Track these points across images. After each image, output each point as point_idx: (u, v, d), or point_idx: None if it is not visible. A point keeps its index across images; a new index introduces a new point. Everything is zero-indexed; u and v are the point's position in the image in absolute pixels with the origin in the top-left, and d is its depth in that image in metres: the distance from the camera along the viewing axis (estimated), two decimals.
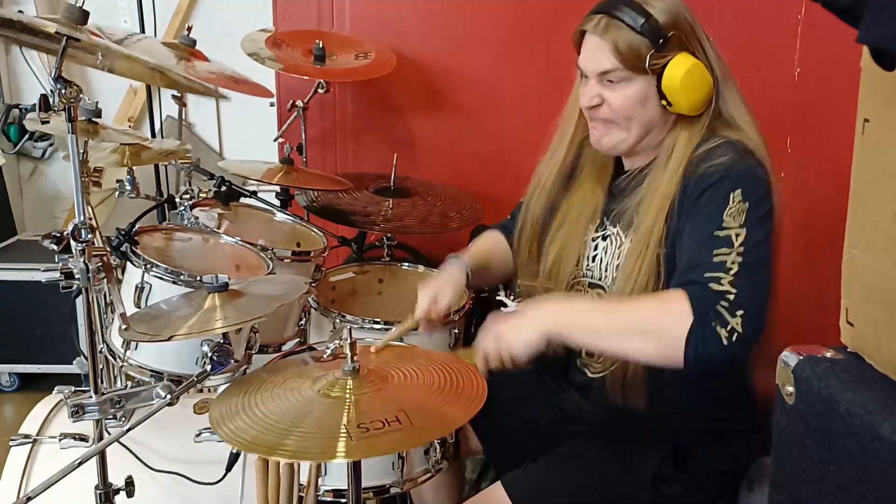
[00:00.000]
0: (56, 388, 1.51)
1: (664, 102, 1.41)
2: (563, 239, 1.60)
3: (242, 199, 2.10)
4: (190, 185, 2.12)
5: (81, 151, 1.56)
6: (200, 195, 2.05)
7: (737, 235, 1.29)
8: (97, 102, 1.85)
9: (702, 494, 1.51)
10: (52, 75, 1.25)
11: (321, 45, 2.47)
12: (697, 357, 1.23)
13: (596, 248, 1.57)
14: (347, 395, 1.19)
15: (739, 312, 1.23)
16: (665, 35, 1.39)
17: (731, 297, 1.24)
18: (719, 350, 1.22)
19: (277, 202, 2.28)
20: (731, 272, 1.26)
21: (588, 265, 1.57)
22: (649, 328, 1.28)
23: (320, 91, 2.52)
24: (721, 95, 1.44)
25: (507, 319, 1.38)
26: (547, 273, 1.61)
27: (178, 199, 2.00)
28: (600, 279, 1.55)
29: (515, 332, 1.34)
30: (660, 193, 1.41)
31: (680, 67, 1.39)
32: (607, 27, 1.41)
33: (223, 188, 2.02)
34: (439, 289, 1.59)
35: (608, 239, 1.54)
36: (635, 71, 1.40)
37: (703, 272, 1.27)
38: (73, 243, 1.30)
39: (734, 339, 1.22)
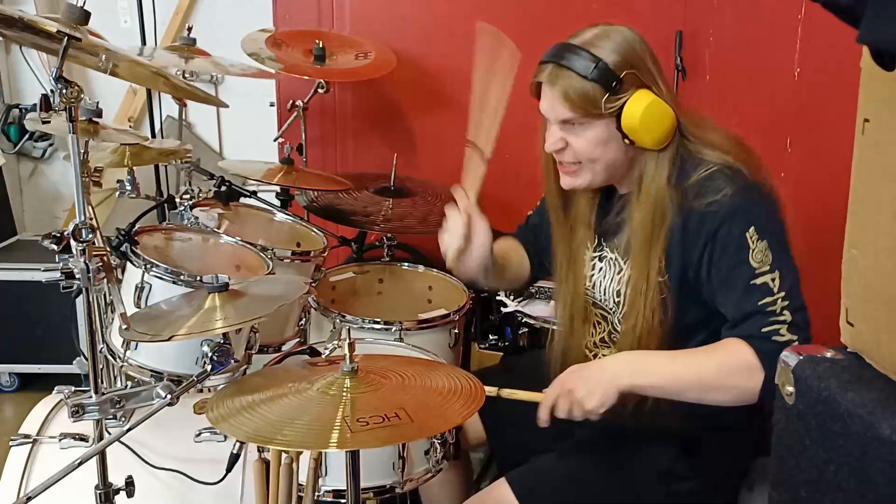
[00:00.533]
0: (56, 388, 1.51)
1: (627, 141, 1.42)
2: (573, 277, 1.61)
3: (242, 199, 2.10)
4: (190, 185, 2.12)
5: (82, 151, 1.56)
6: (200, 195, 2.05)
7: (773, 280, 1.34)
8: (98, 102, 1.85)
9: (710, 491, 1.52)
10: (54, 75, 1.25)
11: (321, 45, 2.47)
12: (770, 397, 1.27)
13: (594, 269, 1.59)
14: (346, 393, 1.20)
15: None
16: (617, 77, 1.38)
17: (793, 340, 1.32)
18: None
19: (277, 202, 2.28)
20: (784, 319, 1.33)
21: (586, 283, 1.59)
22: (724, 385, 1.36)
23: (320, 91, 2.52)
24: (685, 122, 1.44)
25: (580, 373, 1.41)
26: (571, 296, 1.63)
27: (178, 199, 2.00)
28: (601, 301, 1.57)
29: (587, 388, 1.38)
30: (643, 229, 1.43)
31: (637, 107, 1.38)
32: (557, 77, 1.41)
33: (223, 188, 2.02)
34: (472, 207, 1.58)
35: (605, 261, 1.56)
36: (592, 117, 1.41)
37: (760, 326, 1.34)
38: (73, 243, 1.30)
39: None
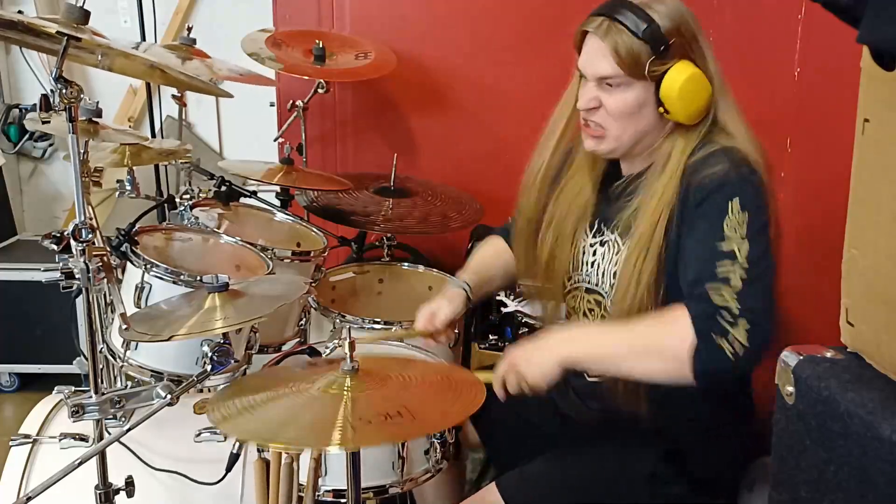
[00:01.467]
0: (56, 388, 1.51)
1: (661, 109, 1.41)
2: (553, 237, 1.59)
3: (242, 199, 2.10)
4: (190, 185, 2.12)
5: (82, 151, 1.56)
6: (200, 195, 2.05)
7: (739, 248, 1.29)
8: (97, 102, 1.85)
9: (699, 494, 1.51)
10: (53, 75, 1.24)
11: (321, 45, 2.47)
12: (705, 372, 1.24)
13: (594, 254, 1.56)
14: (346, 392, 1.19)
15: (744, 325, 1.23)
16: (666, 42, 1.37)
17: (735, 310, 1.24)
18: (725, 364, 1.23)
19: (277, 202, 2.28)
20: (735, 286, 1.26)
21: (586, 270, 1.57)
22: (655, 348, 1.30)
23: (320, 91, 2.52)
24: (718, 105, 1.43)
25: (523, 348, 1.40)
26: (543, 272, 1.62)
27: (178, 199, 2.00)
28: (597, 284, 1.55)
29: (530, 362, 1.37)
30: (656, 200, 1.41)
31: (679, 76, 1.37)
32: (608, 30, 1.39)
33: (223, 188, 2.02)
34: (435, 306, 1.61)
35: (606, 245, 1.54)
36: (634, 76, 1.39)
37: (705, 286, 1.27)
38: (73, 243, 1.30)
39: (740, 353, 1.22)
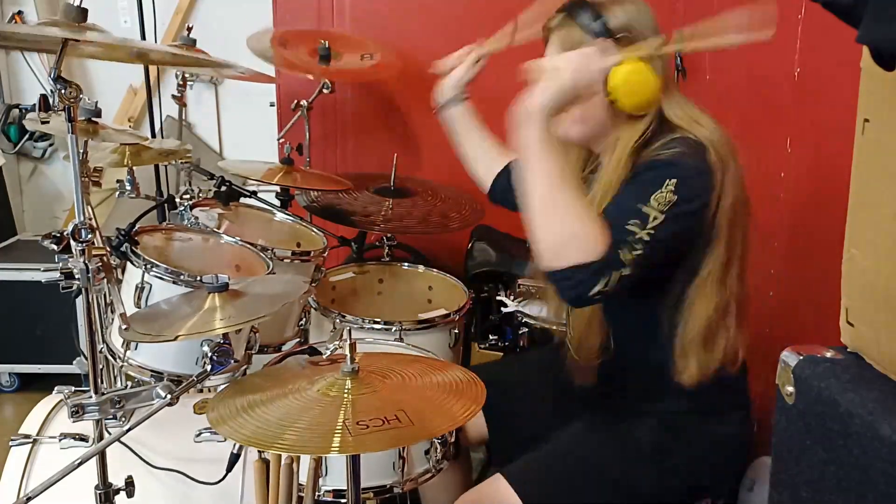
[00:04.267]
0: (56, 388, 1.51)
1: (609, 99, 1.43)
2: None
3: (242, 199, 2.10)
4: (190, 185, 2.12)
5: (81, 151, 1.55)
6: (200, 195, 2.05)
7: (654, 218, 1.33)
8: (97, 102, 1.85)
9: (698, 467, 1.53)
10: (52, 75, 1.24)
11: (327, 45, 2.47)
12: (581, 296, 1.30)
13: None
14: (346, 395, 1.20)
15: (621, 280, 1.30)
16: (613, 37, 1.43)
17: (626, 272, 1.30)
18: (586, 293, 1.29)
19: (277, 202, 2.28)
20: (636, 250, 1.31)
21: None
22: (570, 231, 1.31)
23: (325, 91, 2.52)
24: (664, 102, 1.46)
25: (558, 62, 1.41)
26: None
27: (178, 199, 2.00)
28: None
29: (542, 84, 1.38)
30: (607, 188, 1.45)
31: (623, 68, 1.40)
32: (561, 25, 1.49)
33: (223, 188, 2.02)
34: None
35: None
36: None
37: (619, 236, 1.31)
38: (73, 243, 1.30)
39: (599, 292, 1.29)
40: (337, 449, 1.08)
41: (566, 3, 1.50)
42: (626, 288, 1.32)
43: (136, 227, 1.71)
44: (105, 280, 1.33)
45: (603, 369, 1.57)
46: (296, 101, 2.55)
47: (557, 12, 1.51)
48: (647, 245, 1.32)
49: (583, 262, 1.28)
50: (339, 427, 1.11)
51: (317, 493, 1.43)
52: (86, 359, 1.40)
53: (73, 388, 1.44)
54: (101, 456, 1.37)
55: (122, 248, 1.63)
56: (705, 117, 1.48)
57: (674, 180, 1.36)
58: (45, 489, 1.24)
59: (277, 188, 2.29)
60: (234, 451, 1.54)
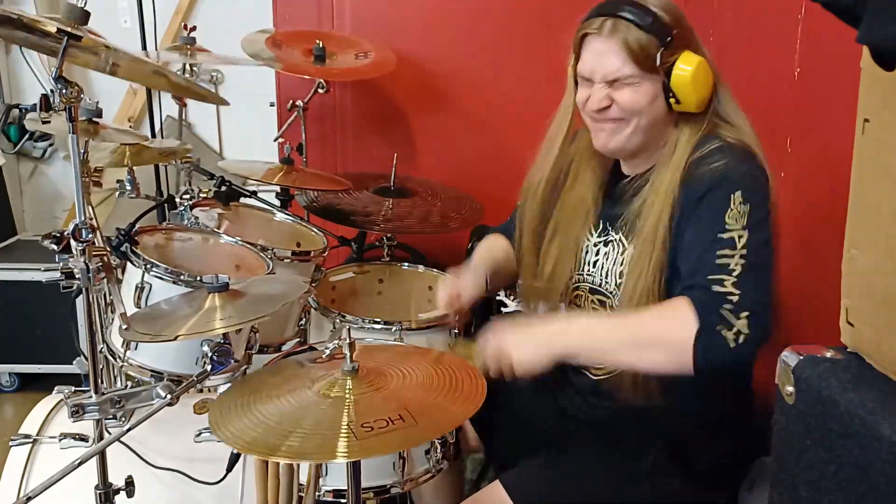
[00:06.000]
0: (56, 388, 1.51)
1: (671, 100, 1.42)
2: (558, 246, 1.60)
3: (242, 199, 2.10)
4: (190, 185, 2.12)
5: (82, 151, 1.56)
6: (200, 195, 2.05)
7: (739, 237, 1.29)
8: (97, 102, 1.85)
9: (700, 488, 1.51)
10: (53, 75, 1.25)
11: (321, 45, 2.47)
12: (707, 362, 1.25)
13: (598, 254, 1.57)
14: (347, 395, 1.19)
15: (745, 314, 1.24)
16: (671, 32, 1.39)
17: (735, 298, 1.25)
18: (727, 353, 1.23)
19: (277, 202, 2.28)
20: (735, 274, 1.26)
21: (589, 270, 1.57)
22: (655, 339, 1.30)
23: (320, 91, 2.52)
24: (717, 93, 1.45)
25: (513, 331, 1.39)
26: (547, 278, 1.62)
27: (178, 199, 2.00)
28: (601, 285, 1.55)
29: (520, 349, 1.36)
30: (662, 194, 1.41)
31: (689, 65, 1.39)
32: (615, 28, 1.39)
33: (223, 188, 2.02)
34: (461, 285, 1.62)
35: (610, 245, 1.54)
36: (647, 70, 1.40)
37: (705, 275, 1.28)
38: (73, 243, 1.30)
39: (741, 340, 1.23)
40: (345, 455, 1.07)
41: (600, 5, 1.43)
42: (766, 305, 1.26)
43: (136, 227, 1.71)
44: (105, 280, 1.33)
45: (623, 383, 1.49)
46: (291, 102, 2.55)
47: (595, 16, 1.42)
48: (748, 264, 1.27)
49: (692, 341, 1.24)
50: (345, 431, 1.10)
51: (317, 494, 1.42)
52: (86, 359, 1.40)
53: (73, 388, 1.44)
54: (101, 456, 1.37)
55: (122, 248, 1.63)
56: (744, 115, 1.46)
57: (738, 192, 1.32)
58: (45, 489, 1.24)
59: (277, 188, 2.29)
60: (234, 451, 1.54)
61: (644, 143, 1.47)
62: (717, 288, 1.26)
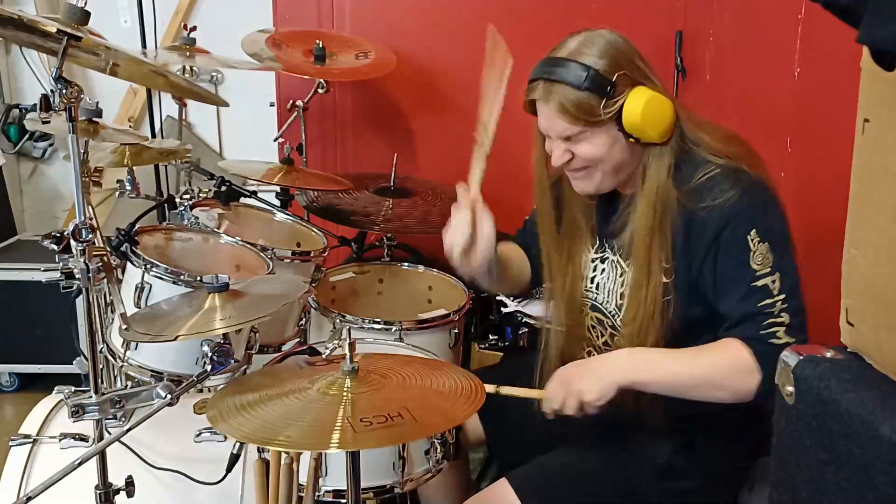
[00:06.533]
0: (56, 388, 1.51)
1: (632, 140, 1.42)
2: (568, 284, 1.61)
3: (242, 199, 2.10)
4: (190, 185, 2.13)
5: (82, 151, 1.56)
6: (200, 195, 2.05)
7: (773, 282, 1.36)
8: (97, 102, 1.85)
9: (710, 489, 1.53)
10: (54, 75, 1.25)
11: (321, 45, 2.47)
12: (767, 396, 1.28)
13: (595, 270, 1.58)
14: (346, 393, 1.19)
15: (793, 340, 1.35)
16: (610, 80, 1.37)
17: (792, 341, 1.34)
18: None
19: (277, 202, 2.28)
20: (784, 322, 1.35)
21: (587, 286, 1.59)
22: (723, 384, 1.39)
23: (320, 91, 2.52)
24: (679, 116, 1.44)
25: (578, 368, 1.45)
26: (565, 302, 1.63)
27: (178, 199, 2.00)
28: (603, 303, 1.57)
29: (587, 381, 1.41)
30: (645, 226, 1.43)
31: (637, 104, 1.38)
32: (550, 92, 1.40)
33: (223, 188, 2.02)
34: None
35: (607, 262, 1.56)
36: (592, 125, 1.40)
37: (758, 329, 1.36)
38: (73, 243, 1.30)
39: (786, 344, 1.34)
40: (336, 445, 1.08)
41: (538, 67, 1.43)
42: (804, 314, 1.37)
43: (136, 227, 1.71)
44: (105, 280, 1.33)
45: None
46: (291, 102, 2.55)
47: (533, 81, 1.43)
48: (789, 308, 1.36)
49: (756, 387, 1.35)
50: (343, 423, 1.11)
51: (317, 494, 1.43)
52: (86, 359, 1.40)
53: (73, 388, 1.44)
54: (101, 456, 1.37)
55: (122, 248, 1.63)
56: (717, 130, 1.47)
57: (752, 230, 1.37)
58: (45, 489, 1.24)
59: (277, 188, 2.29)
60: (234, 452, 1.54)
61: (621, 180, 1.49)
62: (774, 341, 1.35)
